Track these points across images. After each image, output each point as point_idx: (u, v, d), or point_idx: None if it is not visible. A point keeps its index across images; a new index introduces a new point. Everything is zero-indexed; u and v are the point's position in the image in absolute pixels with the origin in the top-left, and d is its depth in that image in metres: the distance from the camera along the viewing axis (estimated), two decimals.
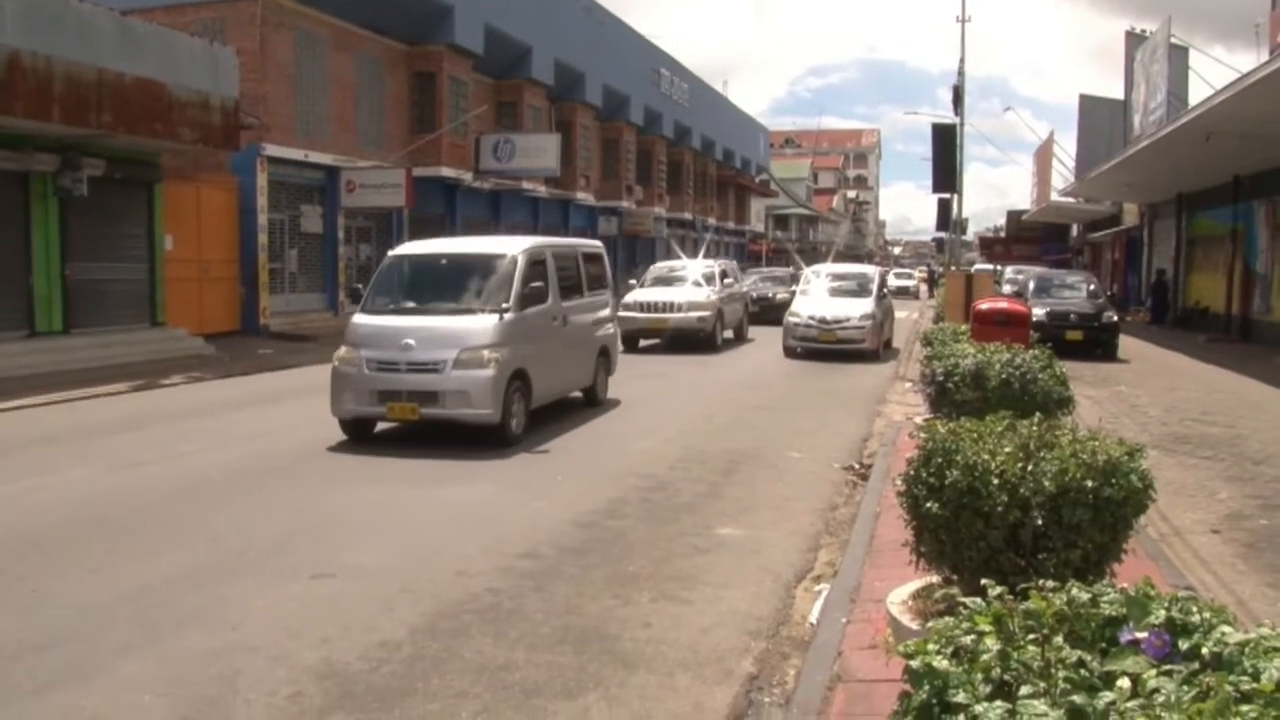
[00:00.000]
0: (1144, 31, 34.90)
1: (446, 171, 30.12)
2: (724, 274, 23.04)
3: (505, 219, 36.22)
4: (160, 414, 12.68)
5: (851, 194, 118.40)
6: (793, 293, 27.89)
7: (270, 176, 24.04)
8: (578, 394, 12.88)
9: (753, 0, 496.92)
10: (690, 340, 20.68)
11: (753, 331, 24.92)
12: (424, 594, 5.89)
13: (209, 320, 21.93)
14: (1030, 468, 4.39)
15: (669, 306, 20.76)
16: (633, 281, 23.82)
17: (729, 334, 22.81)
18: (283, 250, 25.33)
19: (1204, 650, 1.99)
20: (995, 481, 4.34)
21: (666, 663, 4.95)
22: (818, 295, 20.79)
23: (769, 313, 27.25)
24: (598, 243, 14.60)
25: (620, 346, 13.71)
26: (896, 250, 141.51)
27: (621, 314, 20.17)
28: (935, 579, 5.03)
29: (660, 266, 24.39)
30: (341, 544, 6.95)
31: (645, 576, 6.25)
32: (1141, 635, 2.04)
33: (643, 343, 21.15)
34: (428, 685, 4.66)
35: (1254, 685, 1.82)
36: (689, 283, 21.97)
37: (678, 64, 51.61)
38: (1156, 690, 1.83)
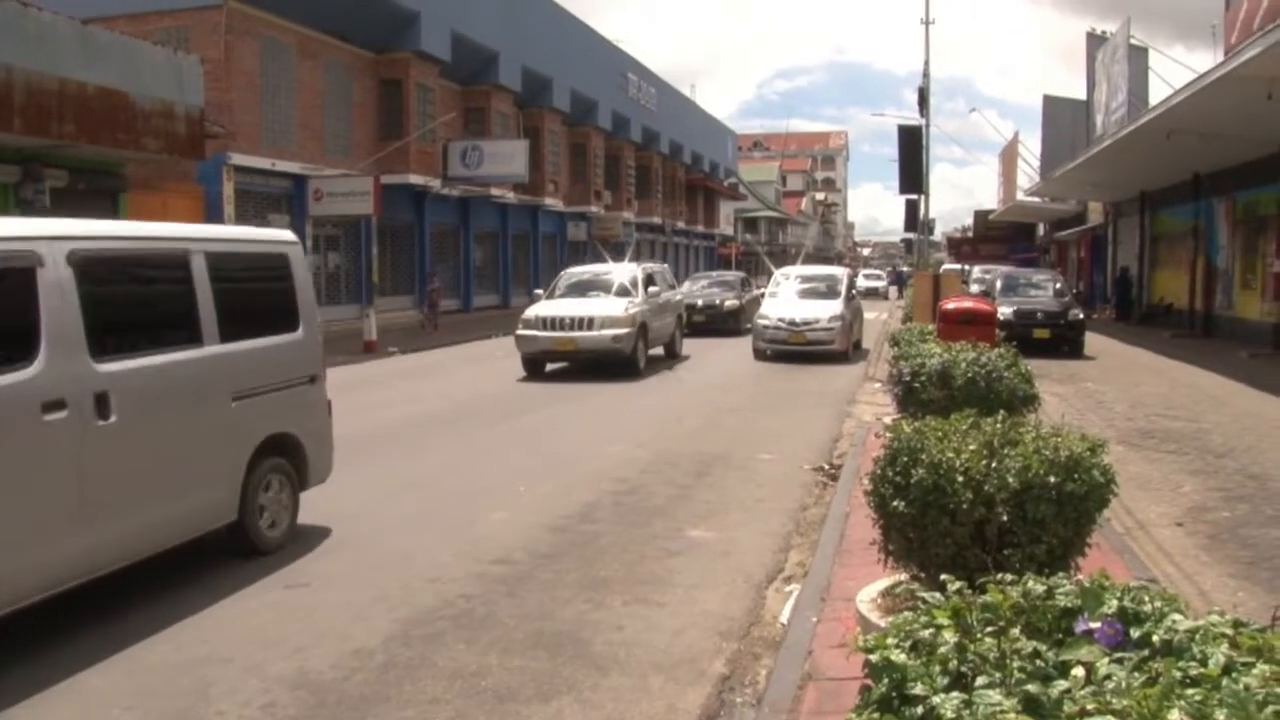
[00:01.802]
0: (1104, 33, 35.30)
1: (415, 179, 30.04)
2: (650, 280, 19.33)
3: (474, 226, 36.20)
4: None
5: (820, 196, 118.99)
6: (743, 299, 26.38)
7: (237, 185, 23.89)
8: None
9: (719, 4, 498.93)
10: (605, 363, 17.32)
11: (698, 345, 22.00)
12: (397, 601, 5.89)
13: None
14: (994, 465, 4.46)
15: (578, 323, 17.08)
16: (538, 291, 20.30)
17: (658, 351, 19.52)
18: None
19: (1155, 638, 2.05)
20: (960, 479, 4.41)
21: (639, 665, 4.98)
22: (787, 297, 20.88)
23: (717, 322, 25.42)
24: (279, 235, 7.88)
25: (330, 440, 7.70)
26: (866, 251, 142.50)
27: (521, 333, 17.44)
28: (904, 577, 5.09)
29: (575, 272, 20.28)
30: (315, 553, 6.93)
31: (618, 580, 6.28)
32: (1095, 625, 2.09)
33: (550, 367, 17.77)
34: (401, 692, 4.67)
35: (1201, 670, 1.88)
36: (607, 292, 18.37)
37: (645, 68, 51.75)
38: (1108, 677, 1.88)
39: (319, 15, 26.41)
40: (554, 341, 17.16)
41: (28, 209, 17.31)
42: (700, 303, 25.78)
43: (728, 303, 26.27)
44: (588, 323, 17.09)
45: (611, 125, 46.17)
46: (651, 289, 19.01)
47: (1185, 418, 12.63)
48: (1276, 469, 9.49)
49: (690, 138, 59.93)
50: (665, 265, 22.82)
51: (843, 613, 5.34)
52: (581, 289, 18.90)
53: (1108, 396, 14.72)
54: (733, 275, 30.82)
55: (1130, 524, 7.54)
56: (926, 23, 32.99)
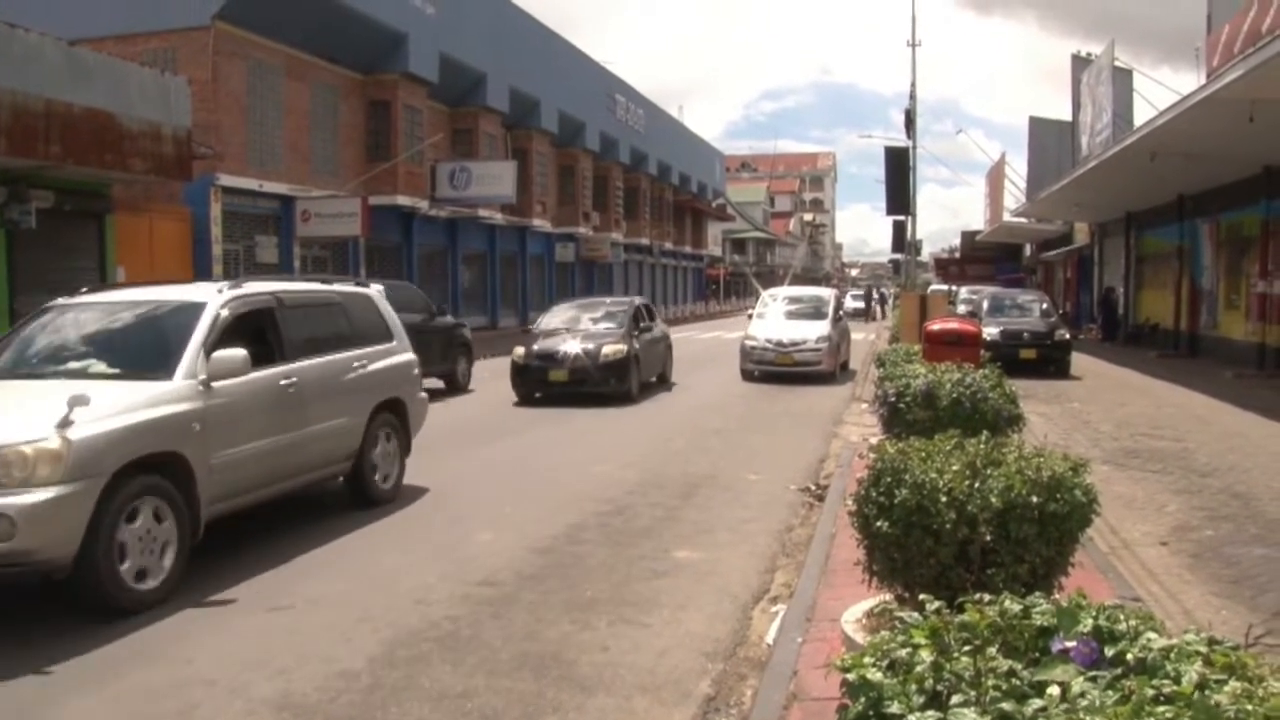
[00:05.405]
0: (1089, 55, 35.63)
1: (403, 200, 30.09)
2: (227, 330, 7.32)
3: (462, 247, 36.24)
4: None
5: (808, 217, 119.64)
6: (637, 342, 17.18)
7: (224, 207, 23.89)
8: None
9: (706, 25, 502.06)
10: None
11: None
12: (382, 623, 5.88)
13: None
14: (977, 485, 4.48)
15: None
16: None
17: (338, 473, 8.83)
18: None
19: (1129, 656, 2.07)
20: (943, 499, 4.43)
21: (625, 686, 4.97)
22: (774, 318, 20.95)
23: (590, 383, 16.03)
24: None
25: None
26: (854, 272, 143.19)
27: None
28: (889, 597, 5.11)
29: (59, 310, 7.83)
30: (300, 574, 6.91)
31: (603, 601, 6.27)
32: (1071, 644, 2.11)
33: None
34: (386, 714, 4.65)
35: (1175, 688, 1.90)
36: (103, 372, 6.99)
37: (633, 90, 52.00)
38: (1082, 695, 1.90)
39: (306, 36, 26.49)
40: None
41: (13, 229, 17.29)
42: (561, 352, 16.27)
43: (607, 349, 16.34)
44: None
45: (599, 146, 46.34)
46: (221, 355, 7.00)
47: (1170, 437, 12.70)
48: (1260, 488, 9.55)
49: (678, 159, 60.19)
50: (409, 287, 10.85)
51: (828, 633, 5.34)
52: (41, 361, 7.34)
53: (1093, 416, 14.78)
54: (623, 303, 19.06)
55: (1115, 543, 7.57)
56: (913, 45, 33.21)
